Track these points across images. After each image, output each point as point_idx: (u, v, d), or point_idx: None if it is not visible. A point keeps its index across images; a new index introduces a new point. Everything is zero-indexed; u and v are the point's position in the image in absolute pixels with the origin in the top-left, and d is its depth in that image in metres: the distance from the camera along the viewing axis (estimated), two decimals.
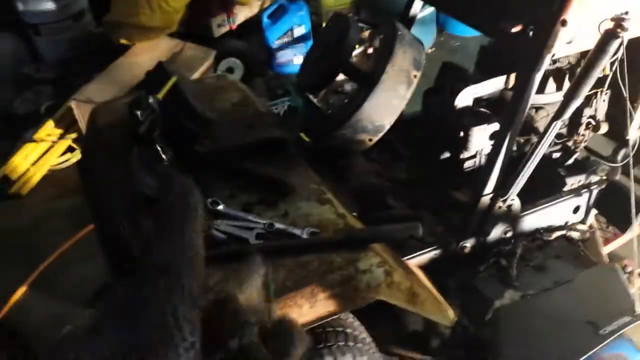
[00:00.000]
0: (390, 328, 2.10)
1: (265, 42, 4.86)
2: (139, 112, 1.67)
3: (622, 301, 1.90)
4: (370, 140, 1.94)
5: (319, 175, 1.96)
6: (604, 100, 2.35)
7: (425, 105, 2.45)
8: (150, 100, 1.71)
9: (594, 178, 2.39)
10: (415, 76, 1.91)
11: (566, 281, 2.03)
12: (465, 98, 2.22)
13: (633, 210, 1.94)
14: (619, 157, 2.44)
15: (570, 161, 2.42)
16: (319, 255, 1.61)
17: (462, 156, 2.25)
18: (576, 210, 2.37)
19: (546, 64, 1.84)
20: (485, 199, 2.04)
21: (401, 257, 2.03)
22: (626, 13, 1.70)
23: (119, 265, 1.99)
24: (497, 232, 2.16)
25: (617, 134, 2.59)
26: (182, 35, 4.63)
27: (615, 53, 1.82)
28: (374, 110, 1.87)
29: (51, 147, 4.32)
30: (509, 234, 2.20)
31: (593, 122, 2.36)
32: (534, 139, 2.32)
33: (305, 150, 2.11)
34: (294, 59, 4.92)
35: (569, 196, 2.31)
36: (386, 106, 1.88)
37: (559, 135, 2.39)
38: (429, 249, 2.10)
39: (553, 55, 1.85)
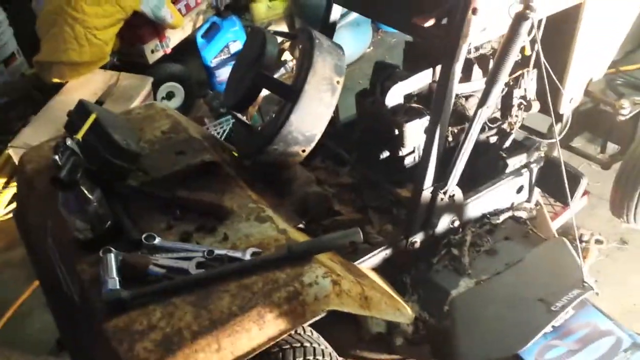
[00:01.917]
0: (352, 333, 2.09)
1: (203, 62, 4.81)
2: (57, 157, 1.61)
3: (571, 274, 1.92)
4: (304, 151, 1.93)
5: (258, 193, 1.94)
6: (531, 80, 2.39)
7: (358, 107, 2.45)
8: (69, 142, 1.66)
9: (534, 156, 2.43)
10: (338, 82, 1.90)
11: (516, 262, 2.05)
12: (395, 96, 2.23)
13: (565, 183, 1.97)
14: (555, 132, 2.48)
15: (508, 143, 2.45)
16: (263, 274, 1.59)
17: (400, 153, 2.26)
18: (520, 190, 2.40)
19: (464, 54, 1.85)
20: (427, 193, 2.05)
21: (352, 262, 2.03)
22: None
23: (63, 315, 1.94)
24: (444, 223, 2.17)
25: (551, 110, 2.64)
26: (117, 65, 4.55)
27: (531, 34, 1.85)
28: (301, 121, 1.85)
29: None
30: (457, 223, 2.21)
31: (524, 102, 2.40)
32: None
33: (244, 169, 2.09)
34: None
35: (510, 177, 2.34)
36: (313, 115, 1.87)
37: (493, 120, 2.42)
38: (379, 249, 2.09)
39: (470, 45, 1.86)
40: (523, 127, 2.64)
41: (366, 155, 2.44)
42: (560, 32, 2.25)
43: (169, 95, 4.65)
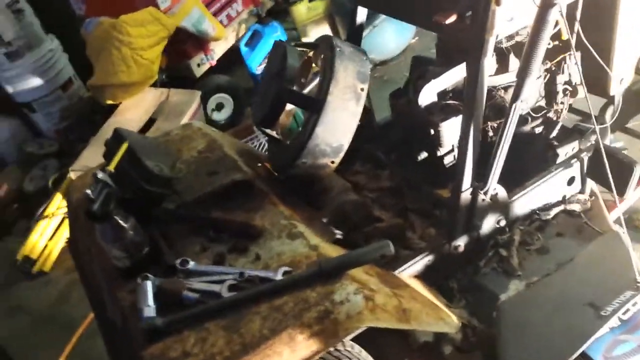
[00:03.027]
0: (399, 344, 2.04)
1: (249, 70, 4.86)
2: (89, 191, 1.66)
3: (624, 274, 1.78)
4: (333, 162, 1.89)
5: (292, 207, 1.92)
6: (575, 63, 2.25)
7: (393, 108, 2.39)
8: (100, 175, 1.70)
9: (585, 144, 2.29)
10: (362, 89, 1.85)
11: (567, 261, 1.93)
12: (428, 95, 2.16)
13: (609, 174, 1.83)
14: (607, 115, 2.33)
15: (556, 132, 2.31)
16: (294, 294, 1.57)
17: (439, 153, 2.18)
18: (571, 181, 2.26)
19: (491, 47, 1.76)
20: (466, 195, 1.96)
21: (394, 269, 1.98)
22: None
23: (110, 340, 2.00)
24: (489, 224, 2.08)
25: (601, 92, 2.48)
26: (166, 82, 4.67)
27: (561, 19, 1.73)
28: (327, 133, 1.82)
29: (64, 219, 4.39)
30: (503, 223, 2.11)
31: (569, 88, 2.27)
32: None
33: (279, 183, 2.08)
34: None
35: (559, 169, 2.20)
36: (339, 126, 1.83)
37: (538, 109, 2.30)
38: (421, 256, 2.03)
39: (497, 37, 1.77)
40: (573, 110, 2.50)
41: (405, 157, 2.37)
42: (600, 10, 2.10)
43: (219, 107, 4.72)
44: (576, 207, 2.23)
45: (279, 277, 1.63)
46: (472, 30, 1.75)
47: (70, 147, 5.06)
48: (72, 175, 4.07)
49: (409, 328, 1.72)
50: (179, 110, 4.31)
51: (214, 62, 4.75)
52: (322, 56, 1.91)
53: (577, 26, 2.04)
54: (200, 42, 4.58)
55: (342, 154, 1.89)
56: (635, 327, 1.92)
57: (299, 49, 1.97)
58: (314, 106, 1.82)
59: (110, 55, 4.16)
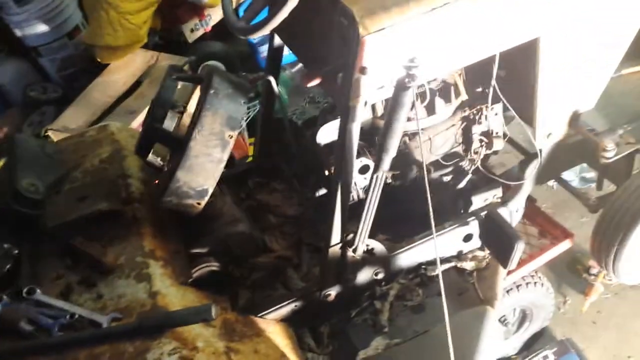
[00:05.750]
0: None
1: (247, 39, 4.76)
2: None
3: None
4: (199, 204, 1.87)
5: (158, 240, 1.93)
6: (496, 114, 2.11)
7: (301, 139, 2.32)
8: None
9: (492, 200, 2.17)
10: (230, 136, 1.79)
11: (423, 332, 1.88)
12: (328, 133, 2.08)
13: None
14: (528, 171, 2.19)
15: (464, 183, 2.20)
16: (114, 344, 1.61)
17: None
18: (468, 238, 2.16)
19: (359, 114, 1.65)
20: (335, 249, 1.91)
21: (265, 309, 1.99)
22: (413, 60, 1.48)
23: None
24: (364, 276, 2.03)
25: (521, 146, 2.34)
26: (160, 44, 4.65)
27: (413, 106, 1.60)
28: (189, 177, 1.79)
29: None
30: (381, 276, 2.06)
31: (486, 140, 2.14)
32: (413, 170, 2.13)
33: None
34: None
35: (453, 226, 2.11)
36: (201, 172, 1.79)
37: (452, 155, 2.18)
38: (291, 300, 2.01)
39: (366, 104, 1.67)
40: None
41: (306, 189, 2.32)
42: (522, 64, 1.94)
43: None
44: (469, 266, 2.15)
45: (105, 324, 1.67)
46: (340, 95, 1.65)
47: (73, 95, 5.16)
48: (51, 134, 4.18)
49: None
50: None
51: (208, 29, 4.68)
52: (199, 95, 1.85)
53: (493, 82, 1.90)
54: (194, 7, 4.51)
55: (207, 197, 1.86)
56: None
57: (181, 82, 1.92)
58: (177, 149, 1.79)
59: (99, 17, 4.17)
